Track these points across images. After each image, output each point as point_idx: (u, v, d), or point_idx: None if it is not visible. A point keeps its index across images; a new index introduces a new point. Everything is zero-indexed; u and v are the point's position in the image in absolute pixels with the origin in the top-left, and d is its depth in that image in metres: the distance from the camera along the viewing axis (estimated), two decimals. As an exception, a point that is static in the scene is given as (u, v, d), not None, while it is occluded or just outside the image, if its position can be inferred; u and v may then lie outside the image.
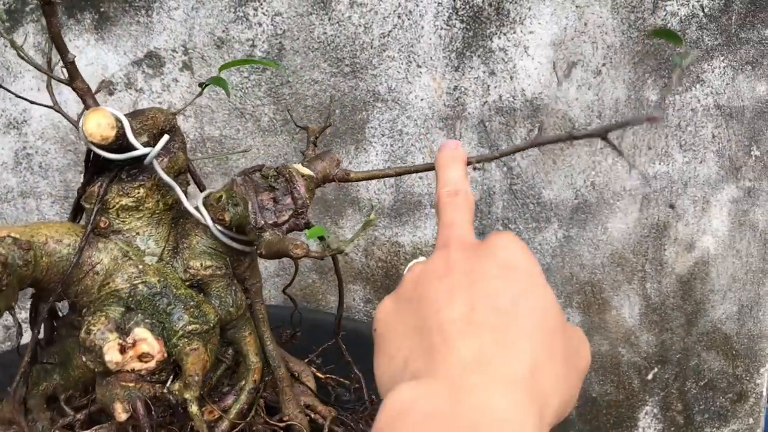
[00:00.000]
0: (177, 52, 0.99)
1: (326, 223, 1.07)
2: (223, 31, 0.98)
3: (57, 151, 1.03)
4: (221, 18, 0.97)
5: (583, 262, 1.09)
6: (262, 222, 0.57)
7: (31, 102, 0.70)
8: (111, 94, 1.01)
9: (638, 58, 1.01)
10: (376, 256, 1.09)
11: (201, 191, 0.61)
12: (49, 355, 0.57)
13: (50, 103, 0.64)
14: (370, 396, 0.68)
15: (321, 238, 0.56)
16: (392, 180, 1.05)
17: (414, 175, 1.05)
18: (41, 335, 0.59)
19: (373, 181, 1.05)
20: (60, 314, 0.59)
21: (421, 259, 0.43)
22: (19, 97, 0.69)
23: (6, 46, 0.99)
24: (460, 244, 0.38)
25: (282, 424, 0.61)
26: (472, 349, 0.31)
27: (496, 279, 0.34)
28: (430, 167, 0.55)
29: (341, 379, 0.70)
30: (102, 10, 0.97)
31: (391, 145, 1.03)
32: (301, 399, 0.65)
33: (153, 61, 0.99)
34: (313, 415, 0.64)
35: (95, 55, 0.99)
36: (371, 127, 1.02)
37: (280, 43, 0.98)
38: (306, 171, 0.60)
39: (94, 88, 1.00)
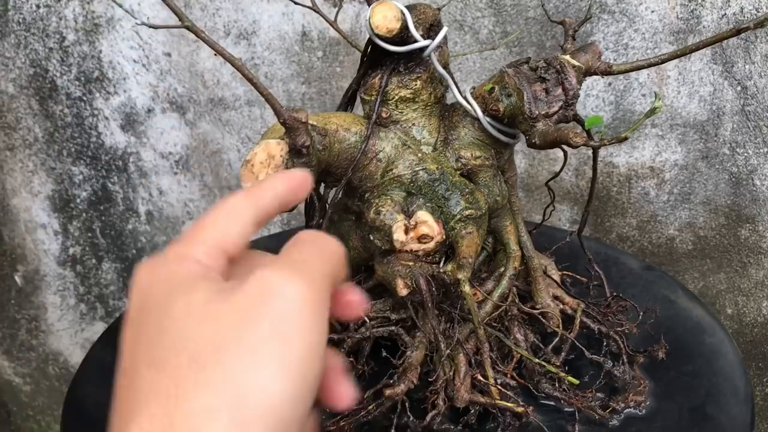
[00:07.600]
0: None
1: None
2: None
3: (282, 62, 1.09)
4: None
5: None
6: (536, 112, 0.58)
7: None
8: None
9: None
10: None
11: (456, 87, 0.62)
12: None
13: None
14: (612, 293, 0.68)
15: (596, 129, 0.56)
16: (612, 97, 1.02)
17: (636, 92, 1.01)
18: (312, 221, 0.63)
19: (591, 98, 1.02)
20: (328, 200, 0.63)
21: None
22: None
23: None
24: None
25: (536, 312, 0.62)
26: None
27: None
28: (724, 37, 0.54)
29: (578, 277, 0.70)
30: None
31: (615, 60, 0.99)
32: (549, 290, 0.65)
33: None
34: (561, 306, 0.65)
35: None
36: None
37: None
38: (576, 62, 0.59)
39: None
